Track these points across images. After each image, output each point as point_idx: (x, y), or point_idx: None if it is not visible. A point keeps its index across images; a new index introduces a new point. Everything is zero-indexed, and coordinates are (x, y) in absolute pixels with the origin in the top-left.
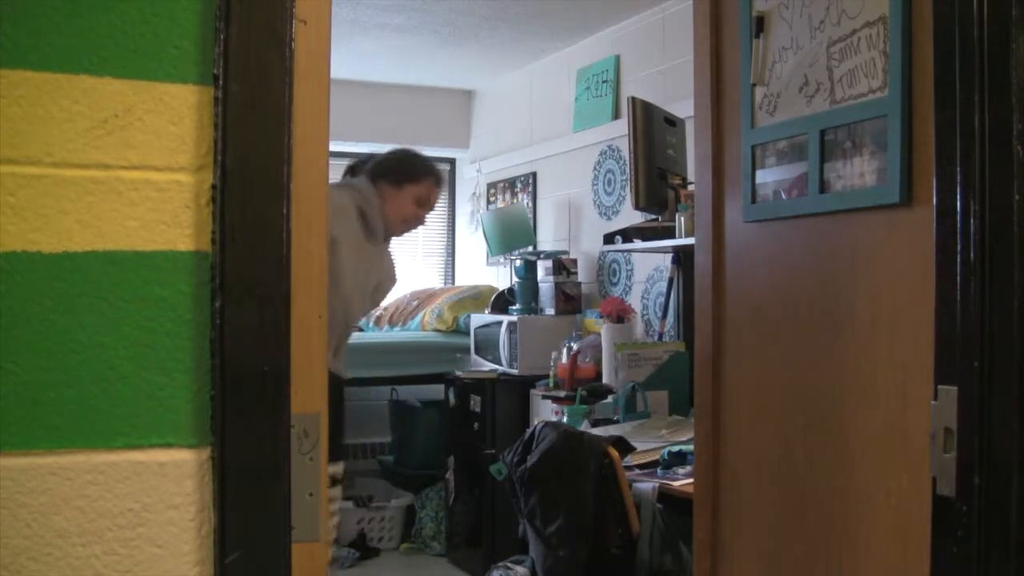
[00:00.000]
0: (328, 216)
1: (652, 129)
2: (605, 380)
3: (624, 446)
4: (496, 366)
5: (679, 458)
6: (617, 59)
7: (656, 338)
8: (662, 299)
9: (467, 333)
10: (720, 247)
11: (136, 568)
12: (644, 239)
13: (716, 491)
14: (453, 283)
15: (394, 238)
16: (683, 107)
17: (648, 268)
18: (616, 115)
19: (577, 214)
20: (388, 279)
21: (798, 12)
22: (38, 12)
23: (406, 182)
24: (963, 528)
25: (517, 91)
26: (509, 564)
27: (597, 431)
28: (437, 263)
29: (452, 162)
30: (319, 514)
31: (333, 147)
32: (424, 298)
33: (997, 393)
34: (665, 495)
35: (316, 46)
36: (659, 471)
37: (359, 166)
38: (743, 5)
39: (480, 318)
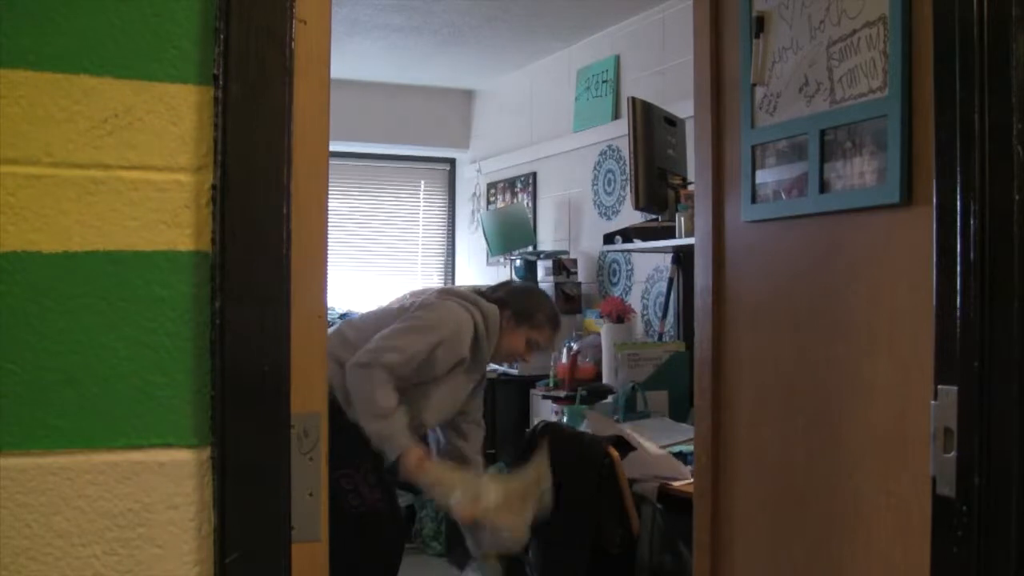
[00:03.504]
0: (449, 328)
1: (652, 129)
2: (605, 380)
3: (624, 446)
4: (496, 366)
5: (679, 458)
6: (617, 59)
7: (656, 338)
8: (662, 299)
9: None
10: (720, 247)
11: (136, 568)
12: (644, 239)
13: (716, 491)
14: (453, 283)
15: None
16: (683, 107)
17: (648, 268)
18: (616, 115)
19: (577, 214)
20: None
21: (798, 12)
22: (38, 12)
23: (525, 323)
24: (963, 528)
25: (517, 91)
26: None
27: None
28: (437, 263)
29: (452, 162)
30: (319, 514)
31: (333, 147)
32: None
33: (997, 393)
34: (665, 495)
35: (316, 46)
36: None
37: (492, 292)
38: (743, 5)
39: None
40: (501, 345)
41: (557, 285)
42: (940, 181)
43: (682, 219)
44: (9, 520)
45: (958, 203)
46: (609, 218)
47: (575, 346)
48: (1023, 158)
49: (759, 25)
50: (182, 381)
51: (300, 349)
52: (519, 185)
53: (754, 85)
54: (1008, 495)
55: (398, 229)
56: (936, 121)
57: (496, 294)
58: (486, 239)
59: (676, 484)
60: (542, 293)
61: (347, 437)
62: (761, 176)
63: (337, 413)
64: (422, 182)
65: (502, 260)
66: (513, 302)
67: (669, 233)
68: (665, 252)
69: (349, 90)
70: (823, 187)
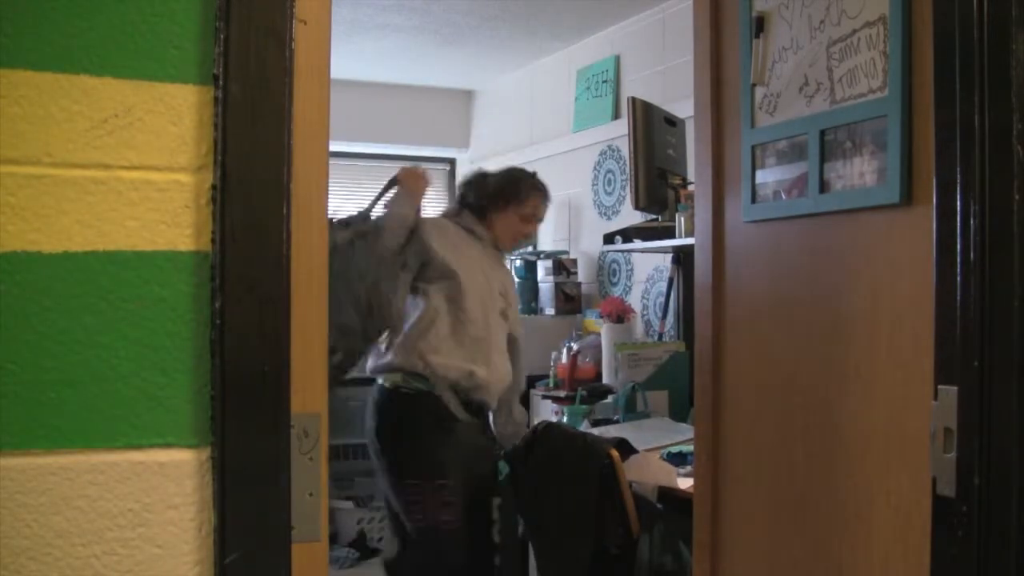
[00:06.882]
0: (431, 232)
1: (652, 129)
2: (605, 380)
3: (626, 448)
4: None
5: (679, 458)
6: (617, 59)
7: (656, 338)
8: (662, 299)
9: None
10: (720, 247)
11: (136, 568)
12: (644, 239)
13: (716, 491)
14: None
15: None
16: (683, 107)
17: (648, 268)
18: (616, 115)
19: (577, 214)
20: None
21: (798, 12)
22: (38, 12)
23: (512, 202)
24: (963, 528)
25: (517, 91)
26: None
27: (597, 431)
28: None
29: (452, 162)
30: (319, 514)
31: (333, 147)
32: None
33: (997, 393)
34: (665, 495)
35: (316, 46)
36: None
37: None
38: (743, 5)
39: None
40: (498, 235)
41: (557, 285)
42: (940, 181)
43: (682, 219)
44: (9, 520)
45: (958, 203)
46: (609, 218)
47: (575, 346)
48: (1023, 158)
49: (759, 25)
50: (182, 381)
51: (300, 349)
52: None
53: (754, 85)
54: (1008, 495)
55: None
56: (936, 121)
57: (480, 199)
58: None
59: (676, 485)
60: (514, 170)
61: (426, 446)
62: (761, 176)
63: (420, 417)
64: None
65: None
66: (492, 192)
67: (669, 233)
68: (665, 252)
69: (349, 90)
70: (823, 187)
